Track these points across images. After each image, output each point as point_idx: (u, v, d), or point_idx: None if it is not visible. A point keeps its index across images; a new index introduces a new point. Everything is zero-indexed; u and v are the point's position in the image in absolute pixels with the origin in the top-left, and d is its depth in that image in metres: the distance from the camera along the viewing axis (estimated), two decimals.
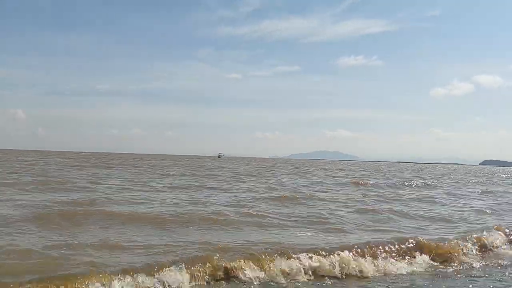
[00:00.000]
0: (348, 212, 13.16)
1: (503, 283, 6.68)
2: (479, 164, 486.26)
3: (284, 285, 6.32)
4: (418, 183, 29.96)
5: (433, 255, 7.96)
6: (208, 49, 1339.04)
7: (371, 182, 28.57)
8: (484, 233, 9.49)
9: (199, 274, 6.16)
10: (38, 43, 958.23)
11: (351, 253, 7.35)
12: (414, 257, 7.79)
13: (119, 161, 69.69)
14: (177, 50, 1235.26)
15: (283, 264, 6.69)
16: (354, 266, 6.99)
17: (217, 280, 6.27)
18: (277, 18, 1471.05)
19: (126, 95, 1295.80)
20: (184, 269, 6.06)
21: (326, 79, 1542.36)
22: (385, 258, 7.57)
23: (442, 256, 8.02)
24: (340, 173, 49.52)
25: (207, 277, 6.21)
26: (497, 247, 9.14)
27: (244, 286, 6.18)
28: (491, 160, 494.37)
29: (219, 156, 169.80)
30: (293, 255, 6.95)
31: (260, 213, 11.86)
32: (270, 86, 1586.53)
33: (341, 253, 7.24)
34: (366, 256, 7.41)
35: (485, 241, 9.08)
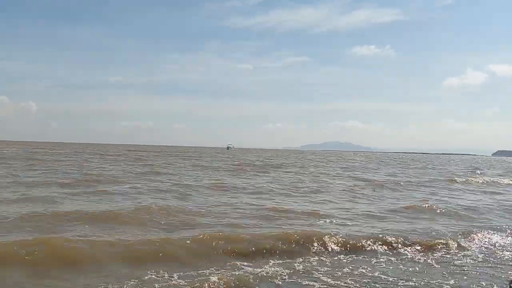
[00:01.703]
0: None
1: None
2: (492, 155, 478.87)
3: None
4: None
5: None
6: (216, 41, 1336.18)
7: None
8: None
9: None
10: (48, 36, 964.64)
11: None
12: None
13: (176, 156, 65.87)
14: (186, 42, 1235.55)
15: None
16: None
17: None
18: (285, 8, 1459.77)
19: (135, 87, 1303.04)
20: None
21: (336, 69, 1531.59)
22: None
23: None
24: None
25: None
26: None
27: None
28: (504, 150, 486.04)
29: (228, 148, 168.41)
30: None
31: None
32: (280, 77, 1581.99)
33: None
34: None
35: None
